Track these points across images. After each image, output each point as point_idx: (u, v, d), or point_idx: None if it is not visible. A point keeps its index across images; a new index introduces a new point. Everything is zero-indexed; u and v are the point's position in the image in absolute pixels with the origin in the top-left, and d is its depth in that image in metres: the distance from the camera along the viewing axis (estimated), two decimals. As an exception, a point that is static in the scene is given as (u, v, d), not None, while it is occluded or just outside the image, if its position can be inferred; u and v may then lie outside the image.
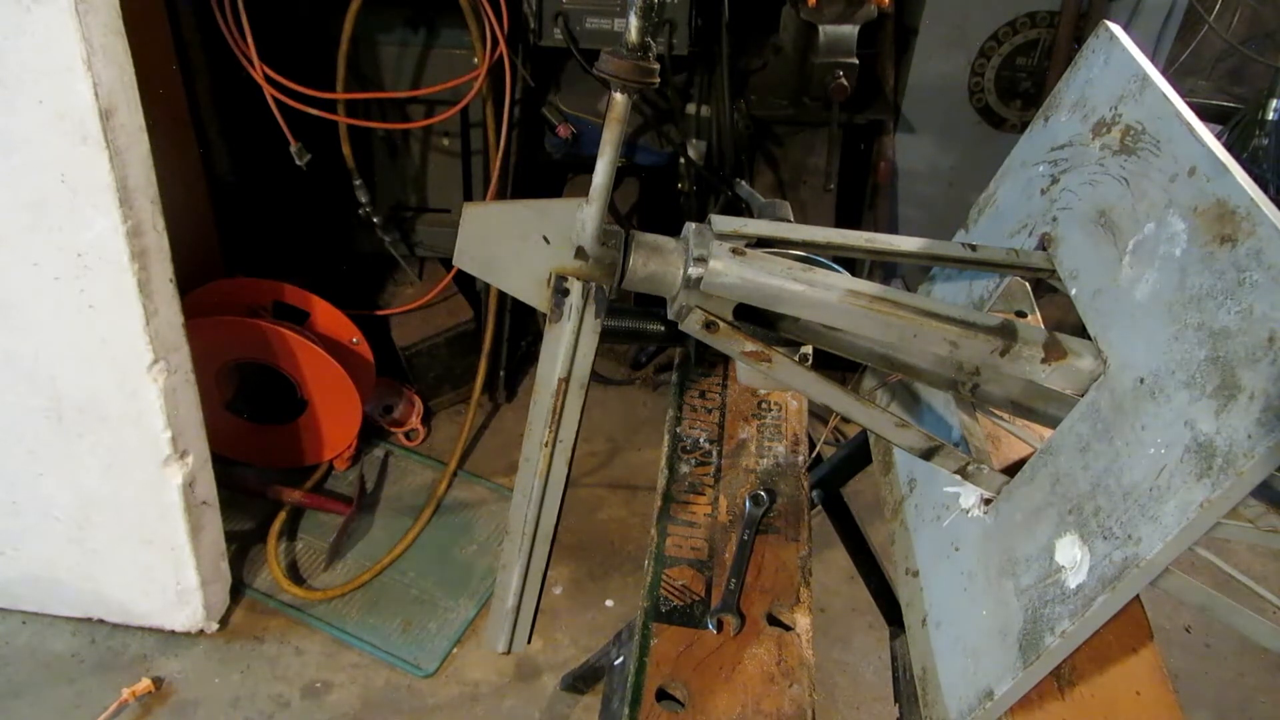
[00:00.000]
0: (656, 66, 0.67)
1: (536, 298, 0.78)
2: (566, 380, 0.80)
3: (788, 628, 0.90)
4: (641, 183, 2.66)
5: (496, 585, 0.92)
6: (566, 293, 0.77)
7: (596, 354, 0.80)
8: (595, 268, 0.75)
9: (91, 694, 1.94)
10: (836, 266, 0.80)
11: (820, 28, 2.23)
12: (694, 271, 0.74)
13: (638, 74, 0.66)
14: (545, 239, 0.75)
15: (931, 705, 0.83)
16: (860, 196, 2.66)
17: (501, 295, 2.54)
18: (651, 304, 0.95)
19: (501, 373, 2.68)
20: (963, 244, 0.88)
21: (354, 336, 2.41)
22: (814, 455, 1.11)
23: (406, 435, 2.62)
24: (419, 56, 2.30)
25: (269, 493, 2.38)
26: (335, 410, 2.37)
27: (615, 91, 0.68)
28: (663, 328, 1.03)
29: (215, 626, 2.08)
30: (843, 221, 2.64)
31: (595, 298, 0.77)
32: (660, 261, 0.76)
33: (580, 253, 0.75)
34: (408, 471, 2.57)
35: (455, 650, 2.12)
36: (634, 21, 0.66)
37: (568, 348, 0.79)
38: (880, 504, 1.06)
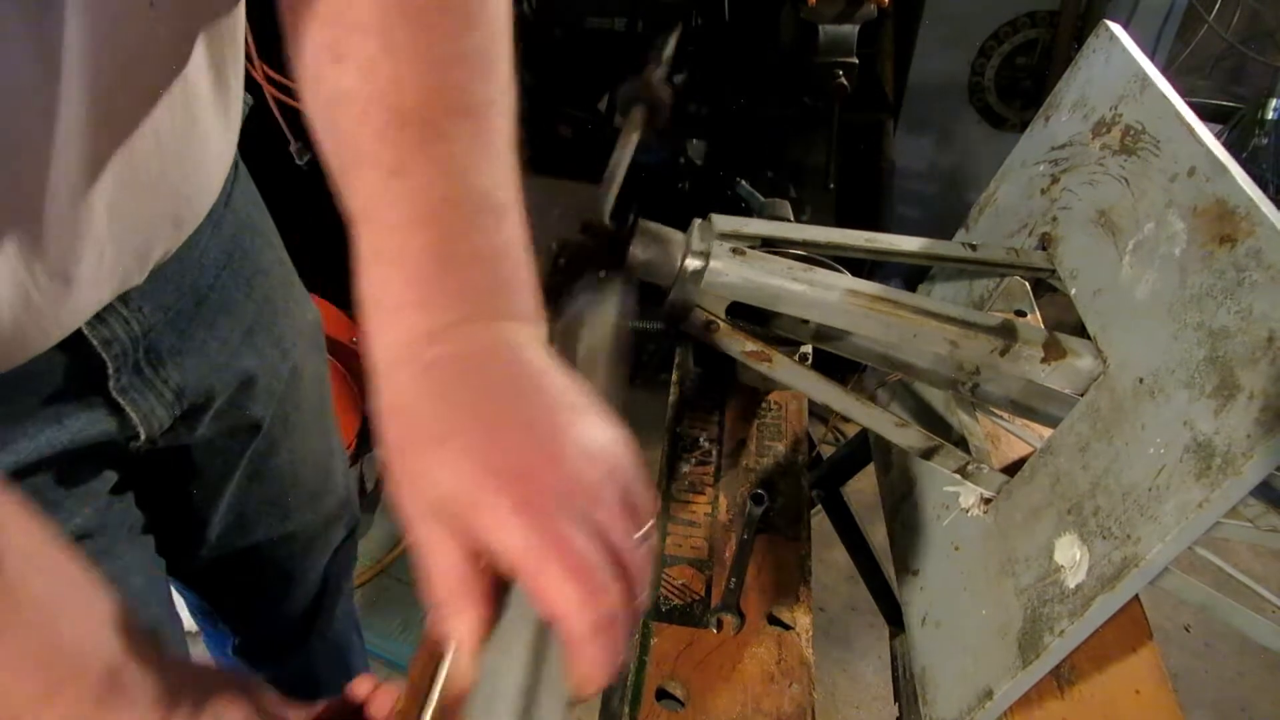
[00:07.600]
0: (670, 96, 0.78)
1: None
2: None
3: (788, 627, 0.90)
4: (641, 182, 2.66)
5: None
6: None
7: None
8: (597, 244, 0.75)
9: (92, 693, 1.94)
10: (837, 266, 0.80)
11: (820, 27, 2.22)
12: (691, 264, 0.74)
13: (656, 95, 0.78)
14: (556, 212, 0.75)
15: (931, 704, 0.83)
16: (860, 196, 2.66)
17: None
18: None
19: (502, 372, 2.67)
20: (963, 244, 0.88)
21: (354, 336, 2.41)
22: (814, 455, 1.11)
23: (406, 435, 2.62)
24: (419, 56, 2.30)
25: (269, 492, 2.38)
26: (335, 409, 2.36)
27: (637, 106, 0.75)
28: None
29: (215, 626, 2.08)
30: (843, 221, 2.64)
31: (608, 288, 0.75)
32: (660, 249, 0.76)
33: (586, 228, 0.75)
34: (408, 471, 2.56)
35: (455, 650, 2.12)
36: (655, 68, 0.78)
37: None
38: (880, 504, 1.06)
